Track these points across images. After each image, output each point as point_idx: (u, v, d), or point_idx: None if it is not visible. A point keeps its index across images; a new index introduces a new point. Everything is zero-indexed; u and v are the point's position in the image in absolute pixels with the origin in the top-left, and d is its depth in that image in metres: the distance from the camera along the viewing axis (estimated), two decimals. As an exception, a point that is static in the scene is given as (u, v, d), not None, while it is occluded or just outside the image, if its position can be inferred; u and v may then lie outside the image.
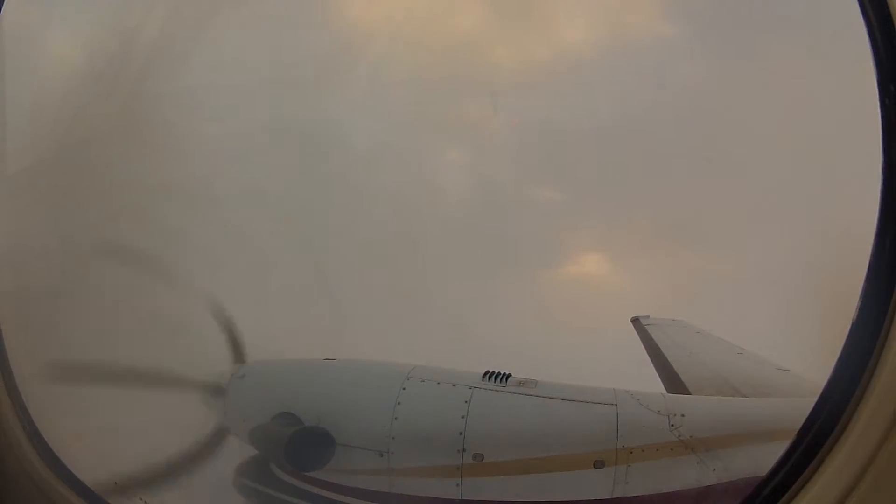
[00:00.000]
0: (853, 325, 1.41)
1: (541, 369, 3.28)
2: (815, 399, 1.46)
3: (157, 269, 3.60)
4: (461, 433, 2.95)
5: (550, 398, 3.08)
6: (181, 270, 3.72)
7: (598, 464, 2.88)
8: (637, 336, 5.92)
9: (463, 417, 2.98)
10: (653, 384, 4.48)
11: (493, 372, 3.17)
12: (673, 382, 4.45)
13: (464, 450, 2.93)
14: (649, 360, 5.24)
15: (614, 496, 2.88)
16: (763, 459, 1.70)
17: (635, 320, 6.19)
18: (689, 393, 4.12)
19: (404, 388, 3.11)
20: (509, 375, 3.16)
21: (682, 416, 2.96)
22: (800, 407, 1.51)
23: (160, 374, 3.44)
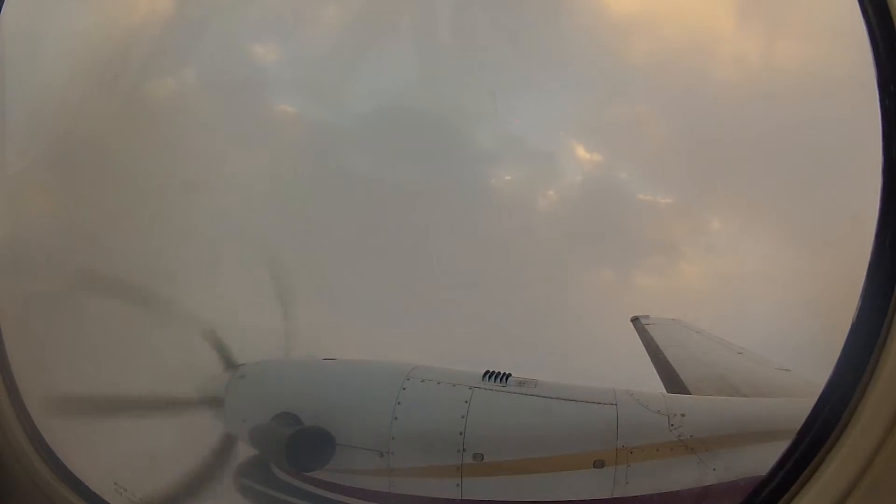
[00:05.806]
0: (853, 325, 1.41)
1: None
2: (815, 399, 1.46)
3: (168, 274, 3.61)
4: (461, 433, 2.94)
5: (550, 398, 3.08)
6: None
7: (598, 464, 2.88)
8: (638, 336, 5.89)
9: (463, 417, 2.97)
10: (653, 384, 4.48)
11: (494, 371, 3.17)
12: (673, 382, 4.45)
13: (464, 450, 2.93)
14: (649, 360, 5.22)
15: (614, 496, 2.88)
16: (763, 459, 1.70)
17: (635, 320, 6.18)
18: (689, 393, 4.11)
19: (404, 388, 3.11)
20: (509, 375, 3.16)
21: (682, 415, 2.96)
22: (800, 407, 1.51)
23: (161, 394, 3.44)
